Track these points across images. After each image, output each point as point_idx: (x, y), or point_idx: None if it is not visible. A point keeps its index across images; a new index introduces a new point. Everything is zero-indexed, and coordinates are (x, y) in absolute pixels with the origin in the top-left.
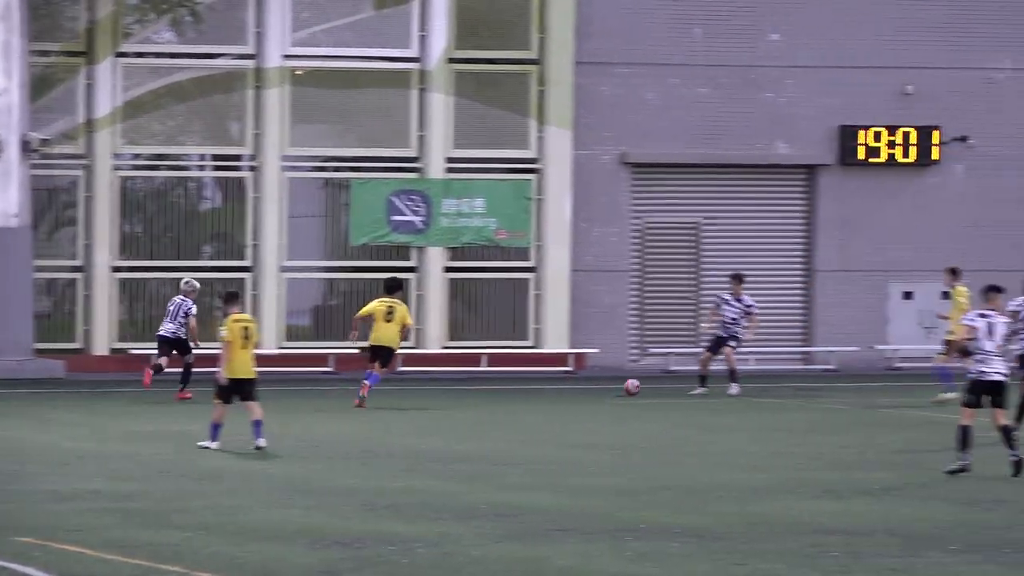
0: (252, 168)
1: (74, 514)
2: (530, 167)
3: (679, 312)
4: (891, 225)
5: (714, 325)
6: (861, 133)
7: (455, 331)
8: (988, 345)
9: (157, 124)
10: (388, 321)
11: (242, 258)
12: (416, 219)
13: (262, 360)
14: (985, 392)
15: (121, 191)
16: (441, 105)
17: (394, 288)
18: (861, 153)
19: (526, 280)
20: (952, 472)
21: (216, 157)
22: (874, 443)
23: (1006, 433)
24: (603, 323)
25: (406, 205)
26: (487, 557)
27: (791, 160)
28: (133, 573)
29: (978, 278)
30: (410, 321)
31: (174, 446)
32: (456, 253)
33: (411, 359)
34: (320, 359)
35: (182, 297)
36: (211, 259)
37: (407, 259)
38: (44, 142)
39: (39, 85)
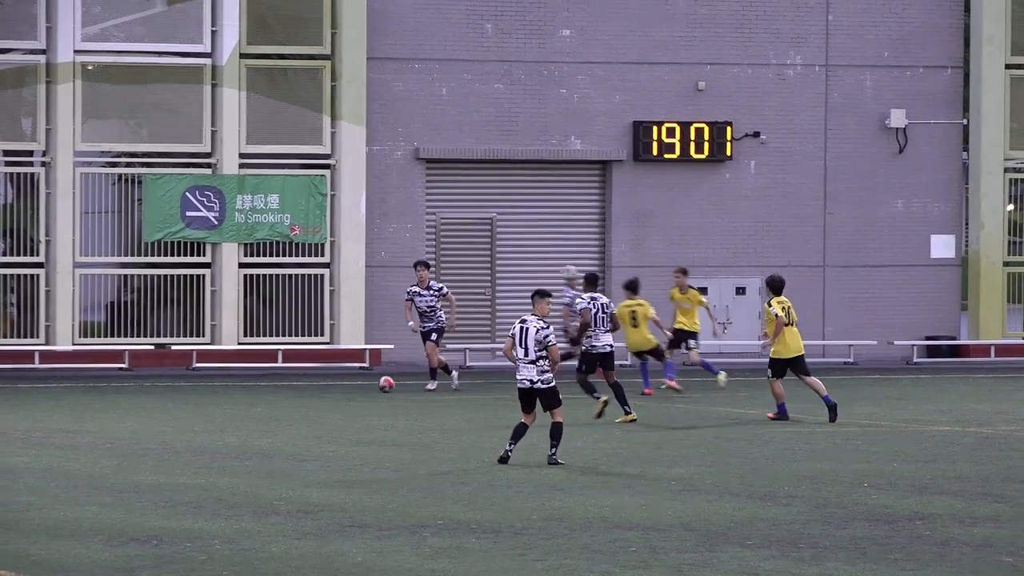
0: (44, 164)
1: None
2: (324, 163)
3: (474, 307)
4: (685, 220)
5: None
6: (655, 129)
7: (250, 327)
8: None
9: None
10: (634, 327)
11: (35, 254)
12: (210, 215)
13: (53, 357)
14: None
15: None
16: (234, 101)
17: (634, 288)
18: (655, 149)
19: (321, 276)
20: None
21: (7, 153)
22: (673, 438)
23: (617, 389)
24: (398, 318)
25: (200, 201)
26: (286, 554)
27: (585, 156)
28: None
29: (772, 272)
30: (651, 314)
31: None
32: (250, 249)
33: (205, 355)
34: (115, 356)
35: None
36: (3, 255)
37: (202, 255)
38: None
39: None
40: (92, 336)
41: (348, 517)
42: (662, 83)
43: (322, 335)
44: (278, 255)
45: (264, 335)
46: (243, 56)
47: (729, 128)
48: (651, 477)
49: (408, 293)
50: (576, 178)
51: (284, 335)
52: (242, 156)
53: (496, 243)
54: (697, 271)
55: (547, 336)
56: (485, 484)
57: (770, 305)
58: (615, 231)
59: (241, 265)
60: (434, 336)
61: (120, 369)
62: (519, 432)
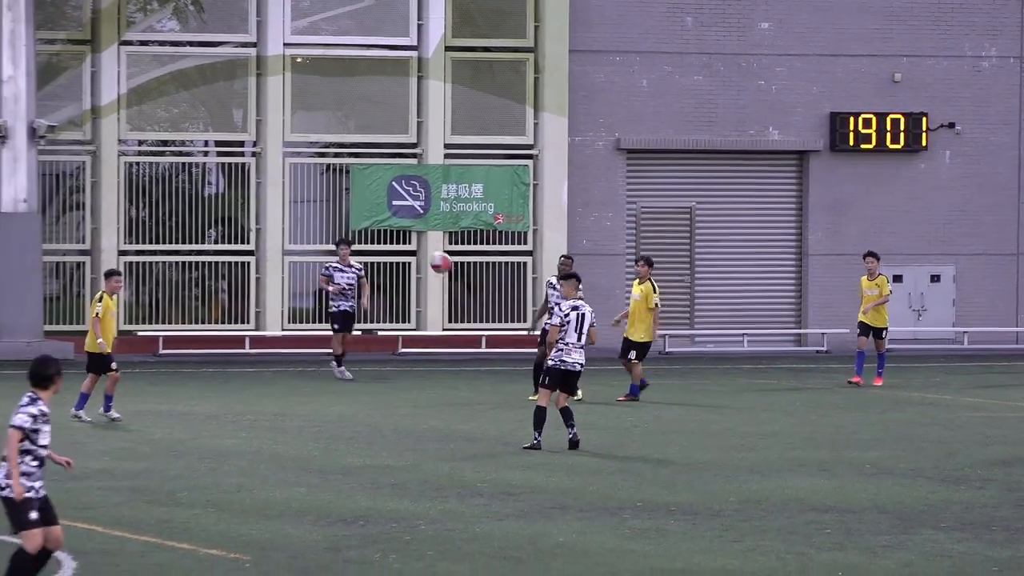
0: (254, 154)
1: (82, 492)
2: (527, 153)
3: (674, 295)
4: (880, 209)
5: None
6: (851, 120)
7: (454, 314)
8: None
9: (161, 111)
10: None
11: (246, 242)
12: (416, 204)
13: (263, 343)
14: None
15: (127, 177)
16: (439, 92)
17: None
18: (851, 139)
19: (524, 263)
20: (528, 447)
21: (219, 143)
22: (868, 422)
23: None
24: (599, 306)
25: (406, 190)
26: (489, 534)
27: (783, 146)
28: (142, 549)
29: (966, 262)
30: (888, 291)
31: (183, 426)
32: (455, 237)
33: (411, 341)
34: (323, 341)
35: None
36: (215, 243)
37: (407, 243)
38: (51, 129)
39: (45, 73)
40: (300, 322)
41: (550, 499)
42: (858, 75)
43: (524, 321)
44: (482, 243)
45: (468, 321)
46: (448, 49)
47: (924, 119)
48: (846, 461)
49: (327, 268)
50: (774, 168)
51: (487, 321)
52: (447, 147)
53: (695, 232)
54: (891, 259)
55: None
56: (683, 467)
57: None
58: (812, 220)
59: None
60: (338, 326)
61: (327, 354)
62: (541, 418)
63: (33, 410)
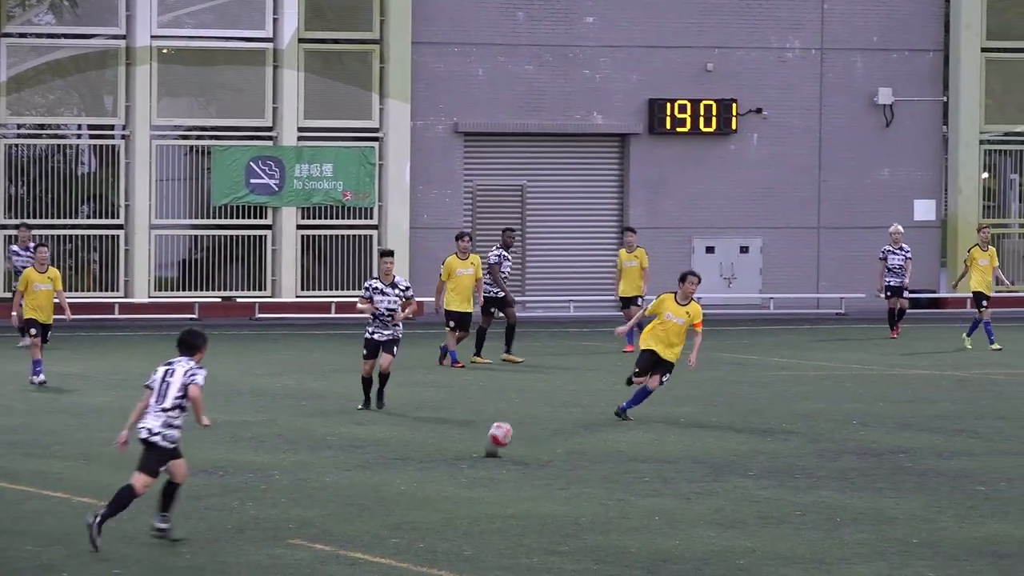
0: (124, 137)
1: None
2: (373, 136)
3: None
4: (694, 187)
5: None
6: (668, 105)
7: (307, 282)
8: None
9: (39, 97)
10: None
11: (116, 217)
12: (271, 182)
13: (132, 309)
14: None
15: (6, 157)
16: (293, 80)
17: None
18: (668, 123)
19: (370, 236)
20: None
21: (92, 127)
22: (682, 381)
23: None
24: (435, 275)
25: (262, 169)
26: (337, 483)
27: (606, 129)
28: (19, 498)
29: (772, 235)
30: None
31: (58, 385)
32: (307, 212)
33: (267, 307)
34: (187, 307)
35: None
36: (88, 218)
37: (264, 217)
38: None
39: None
40: (166, 290)
41: (393, 451)
42: (675, 64)
43: None
44: (331, 218)
45: (319, 289)
46: (301, 41)
47: (735, 105)
48: (662, 416)
49: (9, 253)
50: (597, 149)
51: (337, 289)
52: (300, 130)
53: (526, 207)
54: (705, 232)
55: None
56: (515, 422)
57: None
58: (632, 197)
59: (299, 227)
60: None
61: (191, 319)
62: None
63: (205, 372)
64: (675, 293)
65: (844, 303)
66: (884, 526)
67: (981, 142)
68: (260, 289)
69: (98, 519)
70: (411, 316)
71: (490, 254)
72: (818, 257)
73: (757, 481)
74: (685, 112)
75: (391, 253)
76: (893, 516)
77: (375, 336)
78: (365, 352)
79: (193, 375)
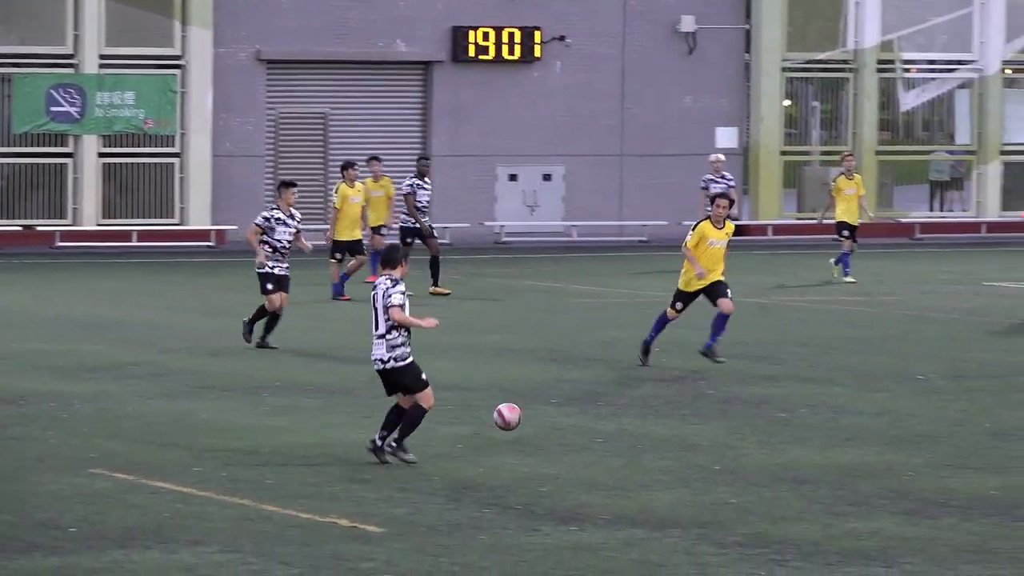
0: None
1: None
2: (175, 63)
3: (309, 194)
4: (497, 115)
5: None
6: (471, 33)
7: (108, 210)
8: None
9: None
10: None
11: None
12: (72, 110)
13: None
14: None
15: None
16: (94, 6)
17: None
18: (471, 51)
19: (172, 164)
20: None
21: None
22: (485, 310)
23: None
24: (241, 203)
25: (63, 97)
26: (140, 412)
27: (409, 57)
28: None
29: (575, 163)
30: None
31: None
32: (109, 140)
33: (68, 235)
34: None
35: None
36: None
37: (65, 146)
38: None
39: None
40: None
41: (195, 380)
42: None
43: (173, 217)
44: (133, 146)
45: (120, 217)
46: None
47: (538, 32)
48: (467, 345)
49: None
50: (401, 77)
51: (138, 217)
52: (101, 57)
53: (329, 135)
54: (508, 160)
55: None
56: (322, 352)
57: None
58: (435, 125)
59: (100, 155)
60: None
61: None
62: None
63: (401, 287)
64: (708, 218)
65: (647, 231)
66: (686, 453)
67: (783, 70)
68: (61, 217)
69: (385, 443)
70: (311, 247)
71: (404, 184)
72: (621, 185)
73: (560, 408)
74: (488, 40)
75: (295, 184)
76: (695, 443)
77: (275, 270)
78: (270, 286)
79: (388, 297)
